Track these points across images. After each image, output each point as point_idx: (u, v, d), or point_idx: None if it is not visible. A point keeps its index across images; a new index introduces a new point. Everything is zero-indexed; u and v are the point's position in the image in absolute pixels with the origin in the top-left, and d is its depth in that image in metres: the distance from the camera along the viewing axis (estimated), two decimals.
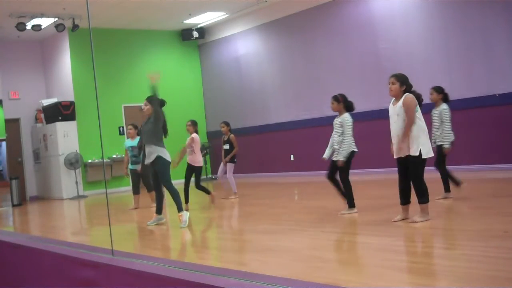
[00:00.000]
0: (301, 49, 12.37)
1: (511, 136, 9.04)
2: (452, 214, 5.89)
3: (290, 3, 12.25)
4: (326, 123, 11.96)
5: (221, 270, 4.06)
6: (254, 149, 13.45)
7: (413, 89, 5.37)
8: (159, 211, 6.91)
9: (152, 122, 6.63)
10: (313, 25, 12.07)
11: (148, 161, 6.70)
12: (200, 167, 8.18)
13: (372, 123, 10.83)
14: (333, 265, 4.04)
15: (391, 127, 5.37)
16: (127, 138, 9.71)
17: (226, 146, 9.08)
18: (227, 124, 9.19)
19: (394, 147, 5.31)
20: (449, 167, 6.55)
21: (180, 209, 6.60)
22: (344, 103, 6.34)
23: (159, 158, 6.59)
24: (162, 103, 6.78)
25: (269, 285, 3.47)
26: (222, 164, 9.18)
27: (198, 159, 8.07)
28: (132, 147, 9.16)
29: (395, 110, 5.31)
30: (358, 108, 11.29)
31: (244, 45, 13.81)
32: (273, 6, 12.62)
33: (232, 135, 9.07)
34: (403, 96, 5.26)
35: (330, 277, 3.64)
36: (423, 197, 5.18)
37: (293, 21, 12.50)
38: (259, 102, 13.45)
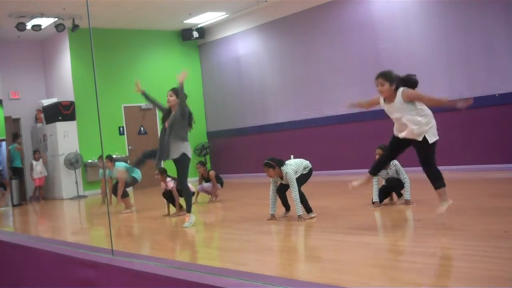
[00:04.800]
0: (301, 49, 12.37)
1: (511, 136, 9.04)
2: (452, 214, 5.89)
3: (290, 3, 12.25)
4: (326, 123, 12.01)
5: (221, 270, 4.06)
6: (254, 149, 13.44)
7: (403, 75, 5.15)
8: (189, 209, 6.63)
9: (177, 115, 6.41)
10: (313, 25, 12.07)
11: (171, 157, 6.48)
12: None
13: (371, 123, 10.82)
14: (333, 265, 4.04)
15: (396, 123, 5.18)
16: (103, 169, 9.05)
17: (209, 184, 8.67)
18: (202, 164, 8.70)
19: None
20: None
21: (189, 210, 6.57)
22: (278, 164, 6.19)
23: (184, 155, 6.47)
24: (186, 96, 6.57)
25: (269, 285, 3.46)
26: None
27: None
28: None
29: (395, 108, 5.09)
30: (358, 108, 11.39)
31: (244, 45, 13.81)
32: (273, 6, 12.61)
33: (211, 172, 8.67)
34: (399, 92, 5.05)
35: (330, 277, 3.64)
36: (440, 181, 4.96)
37: (293, 21, 12.49)
38: (259, 102, 13.44)
